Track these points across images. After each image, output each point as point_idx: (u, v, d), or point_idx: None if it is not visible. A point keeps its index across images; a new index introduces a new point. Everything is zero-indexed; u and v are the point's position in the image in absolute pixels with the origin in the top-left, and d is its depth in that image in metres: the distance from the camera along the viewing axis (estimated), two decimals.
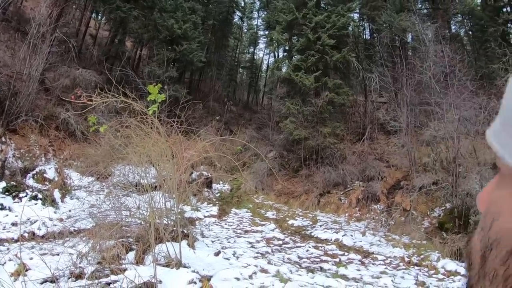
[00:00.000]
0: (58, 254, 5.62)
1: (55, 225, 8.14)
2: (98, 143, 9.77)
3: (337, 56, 16.94)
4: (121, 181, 8.33)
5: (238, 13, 34.27)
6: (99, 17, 24.77)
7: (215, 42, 27.64)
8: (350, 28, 20.33)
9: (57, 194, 10.08)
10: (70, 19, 18.34)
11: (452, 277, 7.79)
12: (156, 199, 6.79)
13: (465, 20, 27.11)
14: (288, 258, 8.38)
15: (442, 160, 12.86)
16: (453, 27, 27.11)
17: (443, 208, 12.26)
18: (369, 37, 27.26)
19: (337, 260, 8.76)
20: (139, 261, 6.12)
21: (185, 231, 7.69)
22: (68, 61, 15.35)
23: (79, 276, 5.19)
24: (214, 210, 12.96)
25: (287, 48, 21.46)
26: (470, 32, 26.71)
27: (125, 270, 5.34)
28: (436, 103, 12.80)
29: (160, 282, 5.22)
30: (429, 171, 13.14)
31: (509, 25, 21.14)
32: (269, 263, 7.40)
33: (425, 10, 24.09)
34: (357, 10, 23.47)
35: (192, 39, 20.58)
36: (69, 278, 5.08)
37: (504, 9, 21.38)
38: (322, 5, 19.18)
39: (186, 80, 24.95)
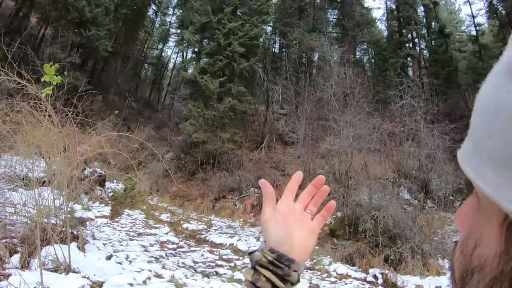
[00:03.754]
0: None
1: None
2: None
3: (244, 64, 17.27)
4: (7, 173, 7.44)
5: (153, 6, 33.06)
6: None
7: (125, 33, 26.25)
8: (261, 40, 20.93)
9: None
10: None
11: (344, 279, 8.37)
12: (44, 195, 6.15)
13: (370, 49, 30.28)
14: (183, 263, 8.21)
15: (335, 172, 13.80)
16: (357, 53, 30.08)
17: (335, 216, 13.14)
18: (278, 51, 28.70)
19: (232, 264, 8.81)
20: (24, 265, 5.46)
21: (75, 232, 7.06)
22: None
23: None
24: (107, 210, 12.14)
25: (196, 50, 21.30)
26: (373, 60, 29.82)
27: (9, 275, 4.74)
28: (334, 119, 13.75)
29: None
30: None
31: (408, 59, 24.18)
32: (163, 267, 7.15)
33: (334, 34, 26.34)
34: (271, 24, 24.57)
35: (101, 25, 19.28)
36: None
37: (407, 45, 24.54)
38: (239, 13, 19.51)
39: (88, 68, 23.19)
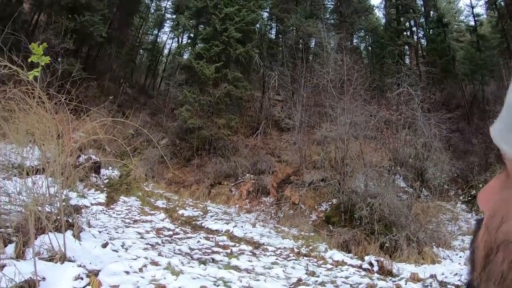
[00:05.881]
0: None
1: None
2: None
3: (241, 50, 17.15)
4: (0, 161, 7.36)
5: None
6: None
7: (119, 18, 25.84)
8: (258, 25, 20.77)
9: None
10: None
11: (340, 266, 8.43)
12: (39, 183, 6.09)
13: (367, 36, 30.06)
14: (179, 250, 8.20)
15: (331, 159, 13.83)
16: (355, 41, 29.91)
17: (330, 203, 13.25)
18: (274, 37, 28.38)
19: (229, 251, 8.81)
20: (19, 255, 5.41)
21: (70, 220, 7.02)
22: None
23: None
24: (102, 197, 12.07)
25: (192, 35, 21.23)
26: (370, 48, 29.66)
27: (3, 266, 4.69)
28: (331, 106, 13.73)
29: (43, 279, 4.69)
30: (318, 168, 14.04)
31: (406, 47, 24.08)
32: (159, 254, 7.14)
33: (332, 21, 26.07)
34: (268, 9, 24.32)
35: (95, 10, 18.97)
36: None
37: (405, 33, 24.41)
38: None
39: (82, 54, 22.93)
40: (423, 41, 26.90)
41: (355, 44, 28.99)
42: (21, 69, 5.16)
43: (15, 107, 5.66)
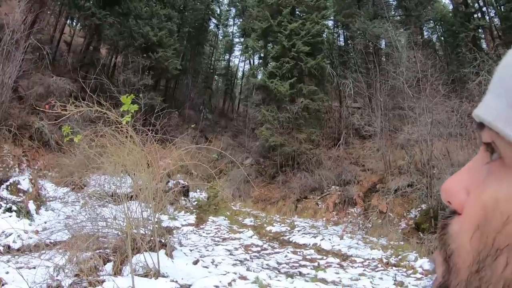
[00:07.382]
0: (34, 268, 5.46)
1: (31, 238, 7.88)
2: (73, 153, 9.59)
3: (311, 63, 17.14)
4: (96, 191, 8.19)
5: (213, 20, 34.43)
6: (74, 24, 24.34)
7: (191, 50, 27.65)
8: (324, 35, 20.61)
9: (31, 206, 9.79)
10: (44, 26, 17.93)
11: (430, 275, 7.91)
12: (132, 209, 6.68)
13: (437, 26, 28.17)
14: (267, 264, 8.35)
15: (416, 162, 13.16)
16: (425, 33, 28.12)
17: (419, 209, 12.53)
18: (343, 44, 27.86)
19: (316, 264, 8.76)
20: (117, 272, 6.00)
21: (163, 241, 7.56)
22: (42, 69, 15.03)
23: None
24: (192, 218, 12.85)
25: (262, 55, 21.73)
26: (442, 38, 27.73)
27: (103, 282, 5.26)
28: (409, 107, 13.13)
29: None
30: (404, 173, 13.41)
31: (479, 30, 22.10)
32: (248, 269, 7.38)
33: (398, 17, 24.92)
34: (332, 18, 24.04)
35: (167, 46, 20.49)
36: None
37: (475, 15, 22.39)
38: (297, 12, 19.40)
39: (161, 88, 24.83)
40: (496, 21, 24.02)
41: (426, 37, 27.15)
42: (108, 110, 5.78)
43: (107, 143, 6.31)
